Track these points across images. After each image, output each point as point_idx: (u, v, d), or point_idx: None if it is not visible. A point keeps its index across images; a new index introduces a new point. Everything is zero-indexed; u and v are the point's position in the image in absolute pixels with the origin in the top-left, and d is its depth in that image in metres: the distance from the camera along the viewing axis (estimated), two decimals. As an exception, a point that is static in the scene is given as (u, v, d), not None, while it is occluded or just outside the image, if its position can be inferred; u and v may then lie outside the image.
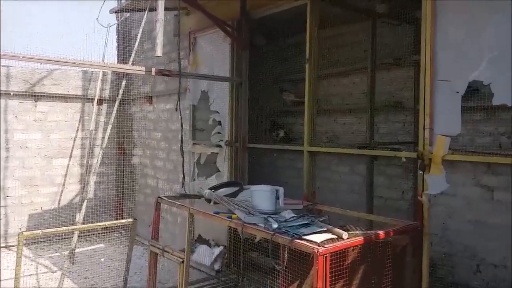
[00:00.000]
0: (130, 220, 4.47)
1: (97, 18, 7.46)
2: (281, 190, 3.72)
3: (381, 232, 3.03)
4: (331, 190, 5.60)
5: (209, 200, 4.10)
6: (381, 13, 5.03)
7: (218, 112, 5.94)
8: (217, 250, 5.47)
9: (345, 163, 5.63)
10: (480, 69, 3.12)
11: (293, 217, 3.36)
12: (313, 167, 4.46)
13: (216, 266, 5.40)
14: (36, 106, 7.54)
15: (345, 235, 2.87)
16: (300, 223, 3.18)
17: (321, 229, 3.02)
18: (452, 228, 4.34)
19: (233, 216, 3.54)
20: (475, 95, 3.52)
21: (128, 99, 7.93)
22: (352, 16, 5.25)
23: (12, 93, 7.23)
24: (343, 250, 2.80)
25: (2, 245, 7.07)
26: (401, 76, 5.01)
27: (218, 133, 5.93)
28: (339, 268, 2.73)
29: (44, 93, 7.53)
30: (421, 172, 3.39)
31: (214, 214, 3.70)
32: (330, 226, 3.07)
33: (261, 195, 3.67)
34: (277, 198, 3.69)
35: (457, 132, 3.26)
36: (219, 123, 5.93)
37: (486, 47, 3.08)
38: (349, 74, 5.61)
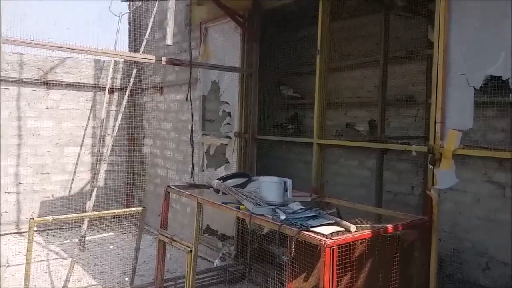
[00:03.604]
0: (139, 208, 4.50)
1: (109, 7, 7.51)
2: (289, 182, 3.73)
3: (389, 226, 3.02)
4: (340, 183, 5.58)
5: (217, 191, 4.12)
6: (394, 5, 4.96)
7: (228, 103, 5.94)
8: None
9: (354, 157, 5.60)
10: (497, 64, 3.06)
11: (301, 209, 3.37)
12: (322, 160, 4.45)
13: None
14: (48, 94, 7.60)
15: (353, 228, 2.87)
16: (308, 215, 3.19)
17: (329, 222, 3.02)
18: (461, 224, 4.31)
19: (241, 206, 3.55)
20: (492, 90, 3.46)
21: (139, 89, 7.96)
22: (364, 8, 5.19)
23: (25, 81, 7.30)
24: (351, 243, 2.79)
25: (14, 231, 7.20)
26: (413, 70, 4.95)
27: (228, 124, 5.93)
28: (346, 261, 2.73)
29: (56, 81, 7.57)
30: (431, 166, 3.36)
31: (222, 204, 3.72)
32: (338, 219, 3.07)
33: (269, 187, 3.68)
34: (285, 190, 3.71)
35: (468, 126, 3.22)
36: (229, 114, 5.93)
37: (503, 41, 3.02)
38: (360, 67, 5.56)
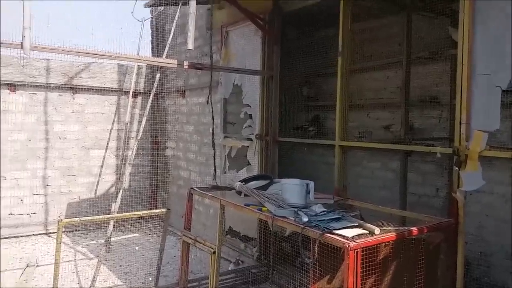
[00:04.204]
0: (163, 210, 4.57)
1: (132, 13, 7.65)
2: (311, 184, 3.72)
3: (414, 229, 2.99)
4: (363, 185, 5.53)
5: (239, 193, 4.15)
6: (416, 5, 4.91)
7: (249, 106, 5.97)
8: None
9: (377, 159, 5.54)
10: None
11: (323, 211, 3.35)
12: (345, 162, 4.43)
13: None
14: (74, 99, 7.79)
15: (377, 230, 2.85)
16: (331, 217, 3.17)
17: (352, 224, 3.00)
18: (488, 227, 4.22)
19: (263, 208, 3.57)
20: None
21: (162, 93, 8.08)
22: (386, 9, 5.15)
23: (52, 86, 7.49)
24: (375, 245, 2.77)
25: (43, 231, 7.40)
26: (437, 71, 4.88)
27: (249, 126, 5.97)
28: (370, 263, 2.72)
29: (81, 86, 7.76)
30: (456, 168, 3.30)
31: (245, 206, 3.74)
32: (362, 221, 3.05)
33: (291, 189, 3.68)
34: (308, 192, 3.70)
35: (495, 127, 3.16)
36: (250, 116, 5.97)
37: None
38: (382, 68, 5.51)
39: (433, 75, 4.93)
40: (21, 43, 3.76)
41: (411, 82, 4.97)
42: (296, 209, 3.37)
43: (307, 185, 3.70)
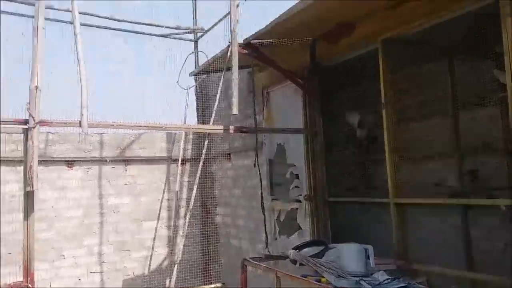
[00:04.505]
0: (218, 285, 4.50)
1: (177, 82, 8.04)
2: (370, 249, 3.60)
3: (489, 297, 2.75)
4: (423, 245, 5.12)
5: (294, 261, 4.04)
6: (457, 51, 4.84)
7: (295, 165, 5.93)
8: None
9: (435, 215, 5.19)
10: None
11: (387, 279, 3.20)
12: (403, 221, 4.22)
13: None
14: (126, 170, 7.88)
15: (447, 301, 2.65)
16: (396, 286, 3.02)
17: (420, 294, 2.82)
18: None
19: (322, 279, 3.44)
20: None
21: (209, 158, 8.10)
22: (426, 55, 5.09)
23: (108, 160, 7.66)
24: (448, 319, 2.57)
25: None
26: (487, 115, 4.68)
27: (296, 187, 5.88)
28: None
29: (133, 157, 7.90)
30: (525, 221, 3.06)
31: (302, 277, 3.62)
32: (430, 291, 2.86)
33: (349, 255, 3.56)
34: (367, 257, 3.56)
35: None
36: (297, 176, 5.89)
37: None
38: (429, 116, 5.35)
39: (483, 120, 4.73)
40: (79, 121, 3.99)
41: (461, 130, 4.79)
42: (357, 278, 3.23)
43: (366, 250, 3.58)
